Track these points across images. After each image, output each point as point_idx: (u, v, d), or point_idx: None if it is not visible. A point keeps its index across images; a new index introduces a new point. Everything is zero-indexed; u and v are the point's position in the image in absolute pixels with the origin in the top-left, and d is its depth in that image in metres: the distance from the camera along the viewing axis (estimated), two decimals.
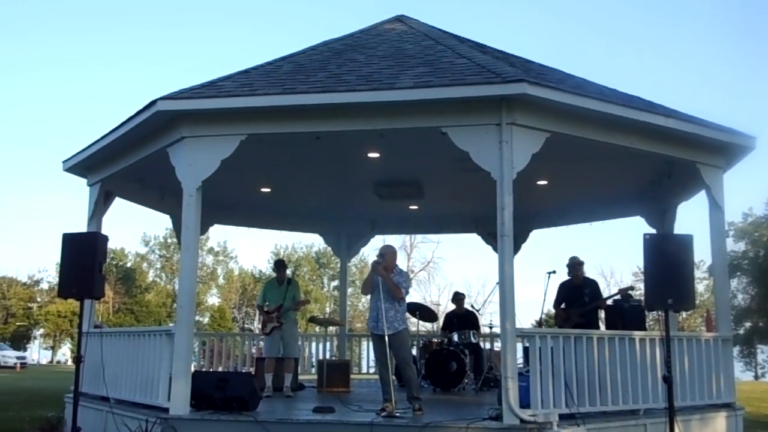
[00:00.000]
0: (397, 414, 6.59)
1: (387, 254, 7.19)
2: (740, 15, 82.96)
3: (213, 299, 71.75)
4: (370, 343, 15.03)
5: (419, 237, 49.92)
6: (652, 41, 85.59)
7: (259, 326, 10.03)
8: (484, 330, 11.75)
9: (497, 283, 6.59)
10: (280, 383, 9.36)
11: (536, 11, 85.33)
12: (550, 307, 9.98)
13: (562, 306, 9.53)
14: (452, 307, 11.82)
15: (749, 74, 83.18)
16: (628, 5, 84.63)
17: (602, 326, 9.33)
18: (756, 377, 51.77)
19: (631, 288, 9.40)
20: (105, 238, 6.99)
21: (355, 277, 54.71)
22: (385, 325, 6.91)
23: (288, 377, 9.41)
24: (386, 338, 6.85)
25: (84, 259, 6.67)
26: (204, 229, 10.19)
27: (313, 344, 14.01)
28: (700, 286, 46.48)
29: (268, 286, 9.96)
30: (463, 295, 11.78)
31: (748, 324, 44.85)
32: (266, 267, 70.97)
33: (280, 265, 9.99)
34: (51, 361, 65.73)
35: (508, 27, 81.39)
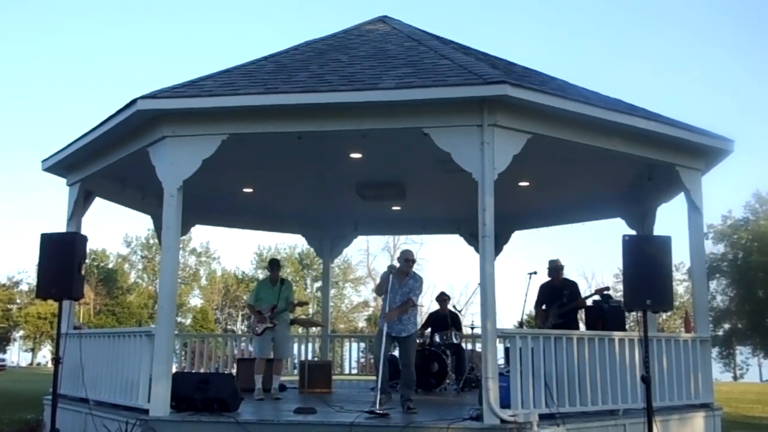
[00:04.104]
0: (382, 411, 6.58)
1: (407, 260, 7.80)
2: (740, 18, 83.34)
3: (195, 300, 71.39)
4: (352, 344, 15.20)
5: (402, 238, 49.94)
6: (645, 45, 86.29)
7: (243, 327, 9.95)
8: (466, 330, 11.78)
9: (479, 284, 6.62)
10: (268, 384, 9.26)
11: (526, 15, 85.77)
12: (531, 308, 10.04)
13: (543, 307, 9.59)
14: (436, 306, 11.86)
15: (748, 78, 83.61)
16: (620, 10, 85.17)
17: (582, 327, 9.39)
18: (735, 378, 52.43)
19: (607, 288, 9.50)
20: (84, 239, 6.91)
21: (338, 278, 54.69)
22: (398, 326, 7.50)
23: (277, 379, 9.33)
24: (398, 339, 7.53)
25: (63, 259, 6.59)
26: (185, 230, 10.12)
27: (295, 345, 14.00)
28: (680, 288, 47.00)
29: (261, 286, 9.67)
30: (448, 296, 11.82)
31: (727, 325, 45.43)
32: (249, 268, 70.79)
33: (274, 264, 9.69)
34: (31, 363, 65.02)
35: (495, 31, 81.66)
